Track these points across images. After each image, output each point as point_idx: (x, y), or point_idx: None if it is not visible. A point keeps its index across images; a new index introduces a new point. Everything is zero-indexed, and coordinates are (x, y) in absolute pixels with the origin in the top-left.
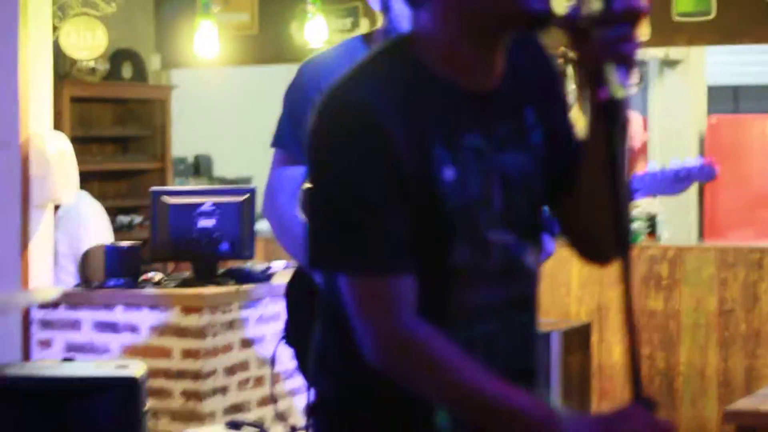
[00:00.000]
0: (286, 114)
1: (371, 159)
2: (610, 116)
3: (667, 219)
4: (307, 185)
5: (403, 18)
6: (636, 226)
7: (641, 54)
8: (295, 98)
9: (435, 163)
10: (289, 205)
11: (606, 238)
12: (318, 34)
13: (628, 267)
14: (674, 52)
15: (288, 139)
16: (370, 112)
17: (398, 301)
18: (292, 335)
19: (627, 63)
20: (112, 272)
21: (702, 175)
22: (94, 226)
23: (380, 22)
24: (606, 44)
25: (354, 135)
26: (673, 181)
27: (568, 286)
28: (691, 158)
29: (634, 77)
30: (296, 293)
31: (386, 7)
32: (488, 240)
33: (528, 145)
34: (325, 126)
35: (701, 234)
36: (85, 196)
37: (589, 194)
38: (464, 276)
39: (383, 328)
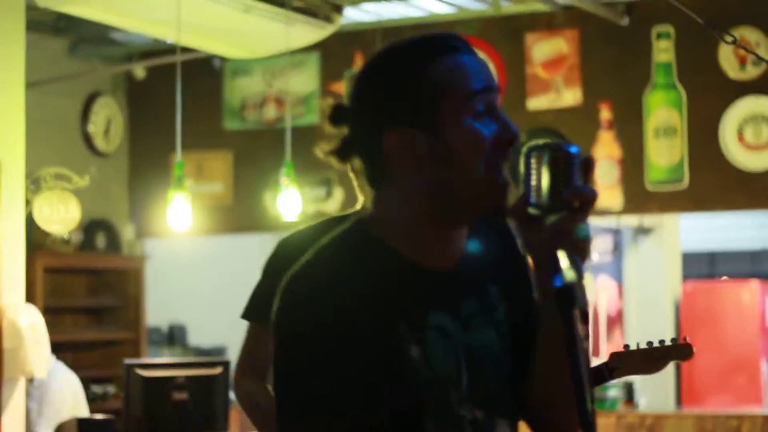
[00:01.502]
0: (263, 286)
1: (333, 350)
2: (564, 302)
3: (645, 386)
4: (274, 364)
5: None
6: (613, 394)
7: (616, 223)
8: (273, 271)
9: (400, 343)
10: (262, 391)
11: (563, 423)
12: (292, 204)
13: None
14: (648, 219)
15: (263, 313)
16: (328, 299)
17: None
18: None
19: (579, 249)
20: None
21: (679, 354)
22: (67, 397)
23: (361, 202)
24: (558, 231)
25: (313, 323)
26: (651, 361)
27: None
28: (668, 337)
29: (588, 262)
30: None
31: None
32: (457, 417)
33: (494, 322)
34: (289, 310)
35: (679, 400)
36: (60, 366)
37: (545, 378)
38: None
39: None
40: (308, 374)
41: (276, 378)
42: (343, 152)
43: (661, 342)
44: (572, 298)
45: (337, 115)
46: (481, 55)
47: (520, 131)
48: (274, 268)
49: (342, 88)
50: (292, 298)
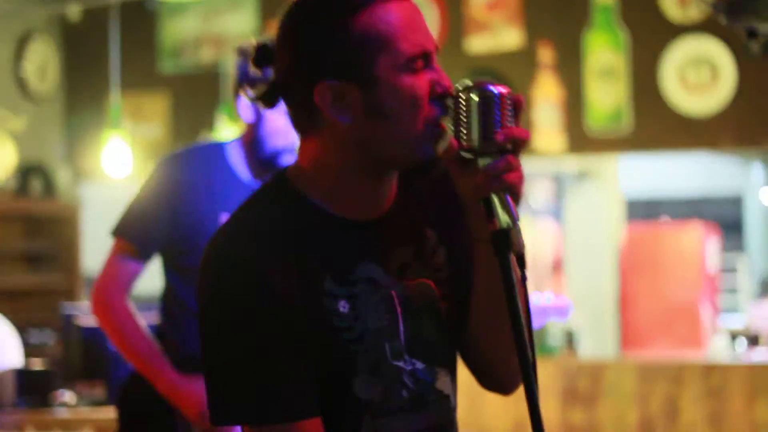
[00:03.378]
0: (137, 206)
1: (258, 312)
2: (500, 247)
3: (585, 331)
4: (200, 340)
5: (275, 134)
6: (554, 340)
7: (557, 168)
8: (150, 193)
9: (327, 299)
10: (125, 307)
11: (505, 369)
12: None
13: (534, 402)
14: (589, 163)
15: (134, 231)
16: (252, 263)
17: None
18: None
19: (514, 192)
20: (23, 394)
21: (556, 313)
22: (7, 346)
23: (243, 129)
24: (492, 174)
25: (238, 289)
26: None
27: (484, 399)
28: (548, 295)
29: (521, 205)
30: (131, 403)
31: (258, 120)
32: (395, 369)
33: (430, 267)
34: (209, 282)
35: (620, 344)
36: None
37: (484, 325)
38: (374, 408)
39: None
40: (235, 339)
41: (203, 344)
42: (269, 97)
43: None
44: (508, 242)
45: (261, 57)
46: None
47: (460, 76)
48: (149, 190)
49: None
50: (214, 262)
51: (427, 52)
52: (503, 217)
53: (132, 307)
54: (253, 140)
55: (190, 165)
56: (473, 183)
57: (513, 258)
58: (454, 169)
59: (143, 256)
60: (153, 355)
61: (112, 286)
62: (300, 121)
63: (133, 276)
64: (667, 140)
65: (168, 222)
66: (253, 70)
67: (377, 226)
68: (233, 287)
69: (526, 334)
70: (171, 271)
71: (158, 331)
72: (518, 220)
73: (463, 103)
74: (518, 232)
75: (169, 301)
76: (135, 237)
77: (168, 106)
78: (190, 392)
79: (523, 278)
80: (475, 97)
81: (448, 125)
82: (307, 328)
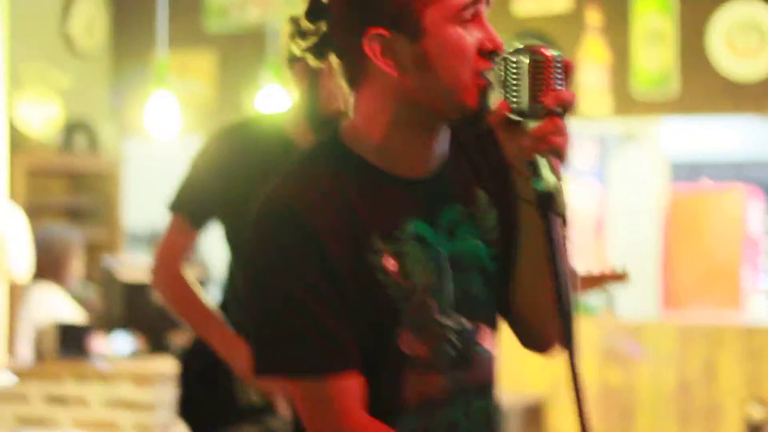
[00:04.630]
0: (190, 179)
1: (304, 264)
2: (545, 208)
3: (625, 291)
4: (244, 290)
5: (326, 99)
6: (593, 300)
7: (601, 129)
8: (202, 166)
9: (373, 256)
10: (182, 275)
11: (545, 329)
12: (276, 101)
13: (573, 360)
14: (634, 126)
15: (187, 206)
16: (298, 215)
17: (345, 401)
18: (187, 410)
19: (559, 154)
20: (64, 345)
21: (615, 279)
22: (49, 304)
23: (298, 96)
24: (538, 137)
25: (285, 241)
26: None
27: (524, 358)
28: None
29: (566, 168)
30: (193, 367)
31: (310, 85)
32: (442, 326)
33: (480, 227)
34: (257, 233)
35: (660, 305)
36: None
37: (526, 285)
38: (419, 364)
39: (332, 429)
40: (276, 289)
41: (247, 295)
42: (319, 49)
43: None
44: (552, 203)
45: (315, 11)
46: None
47: (507, 39)
48: (201, 163)
49: None
50: (262, 214)
51: (477, 1)
52: (548, 179)
53: (189, 275)
54: (305, 107)
55: (243, 137)
56: (520, 145)
57: (556, 219)
58: (501, 131)
59: (197, 226)
60: (210, 317)
61: (169, 258)
62: (350, 72)
63: (188, 245)
64: (713, 104)
65: (221, 196)
66: (305, 24)
67: (427, 184)
68: (278, 238)
69: (567, 294)
70: (228, 245)
71: (222, 301)
72: (562, 182)
73: (513, 65)
74: (562, 194)
75: (229, 273)
76: (189, 211)
77: (214, 65)
78: (243, 350)
79: (565, 240)
80: (525, 60)
81: (496, 87)
82: (352, 283)
